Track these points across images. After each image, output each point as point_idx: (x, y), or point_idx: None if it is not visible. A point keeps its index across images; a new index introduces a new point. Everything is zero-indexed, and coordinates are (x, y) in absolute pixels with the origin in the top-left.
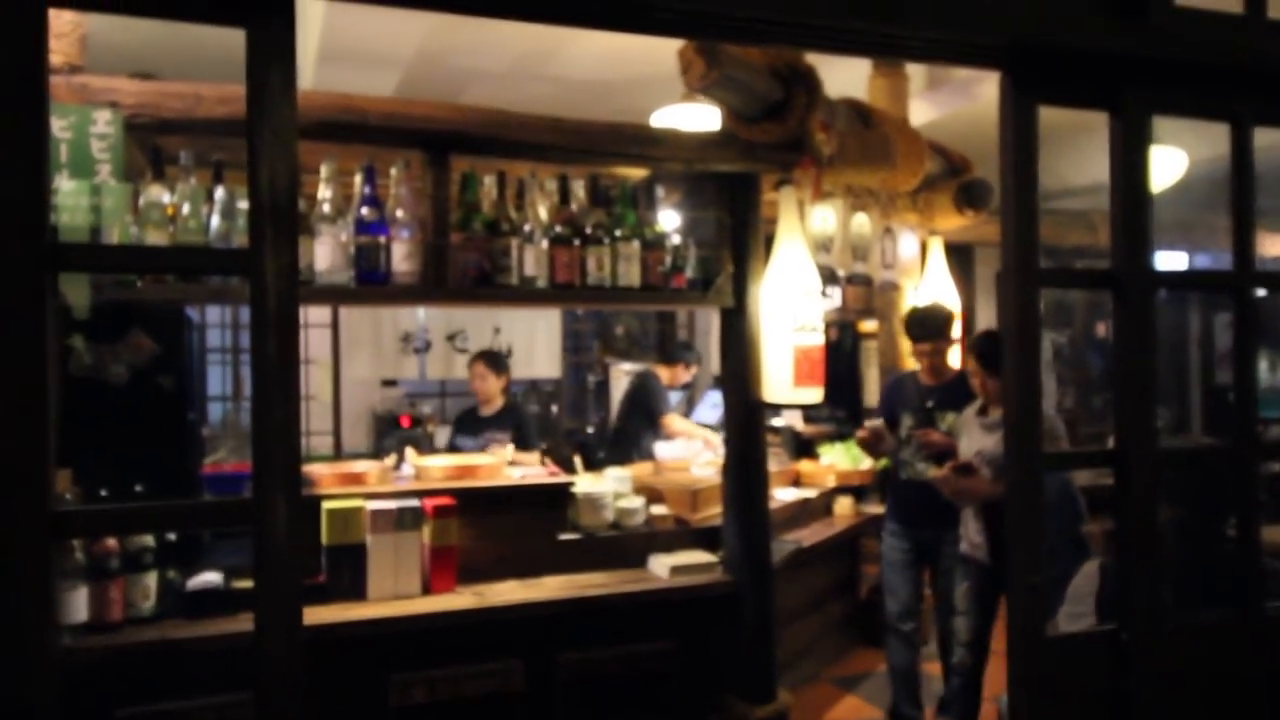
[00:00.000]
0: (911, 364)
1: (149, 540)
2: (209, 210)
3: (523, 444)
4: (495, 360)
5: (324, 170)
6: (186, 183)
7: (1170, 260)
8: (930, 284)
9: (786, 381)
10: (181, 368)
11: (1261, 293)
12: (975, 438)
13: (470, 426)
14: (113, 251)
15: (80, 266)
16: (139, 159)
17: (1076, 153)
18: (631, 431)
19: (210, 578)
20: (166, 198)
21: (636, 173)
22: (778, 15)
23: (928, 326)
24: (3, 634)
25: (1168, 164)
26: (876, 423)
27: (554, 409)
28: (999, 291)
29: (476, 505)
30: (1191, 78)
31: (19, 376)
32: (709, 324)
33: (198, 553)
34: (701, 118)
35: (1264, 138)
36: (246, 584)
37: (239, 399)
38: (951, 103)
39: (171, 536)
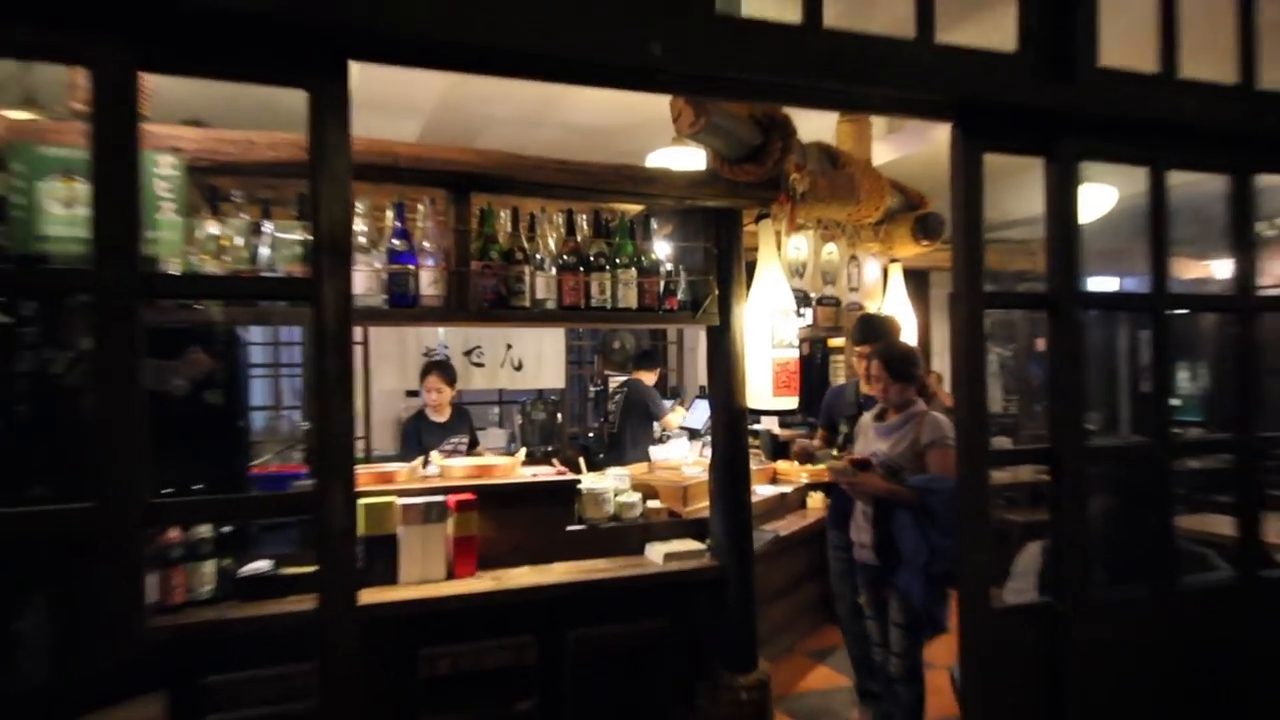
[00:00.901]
0: None
1: (206, 532)
2: (256, 242)
3: (474, 445)
4: (448, 372)
5: (359, 206)
6: (238, 218)
7: (1104, 282)
8: (890, 304)
9: (766, 391)
10: (232, 381)
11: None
12: (870, 440)
13: (430, 432)
14: (196, 280)
15: (168, 294)
16: (195, 197)
17: (1019, 189)
18: (628, 433)
19: (260, 565)
20: (218, 230)
21: (634, 207)
22: (762, 77)
23: (870, 331)
24: (106, 606)
25: (1101, 199)
26: (807, 442)
27: (559, 416)
28: (950, 312)
29: (494, 500)
30: (1114, 128)
31: (120, 388)
32: (696, 340)
33: (247, 544)
34: (690, 159)
35: (1178, 178)
36: (294, 570)
37: (279, 409)
38: (909, 145)
39: (226, 529)
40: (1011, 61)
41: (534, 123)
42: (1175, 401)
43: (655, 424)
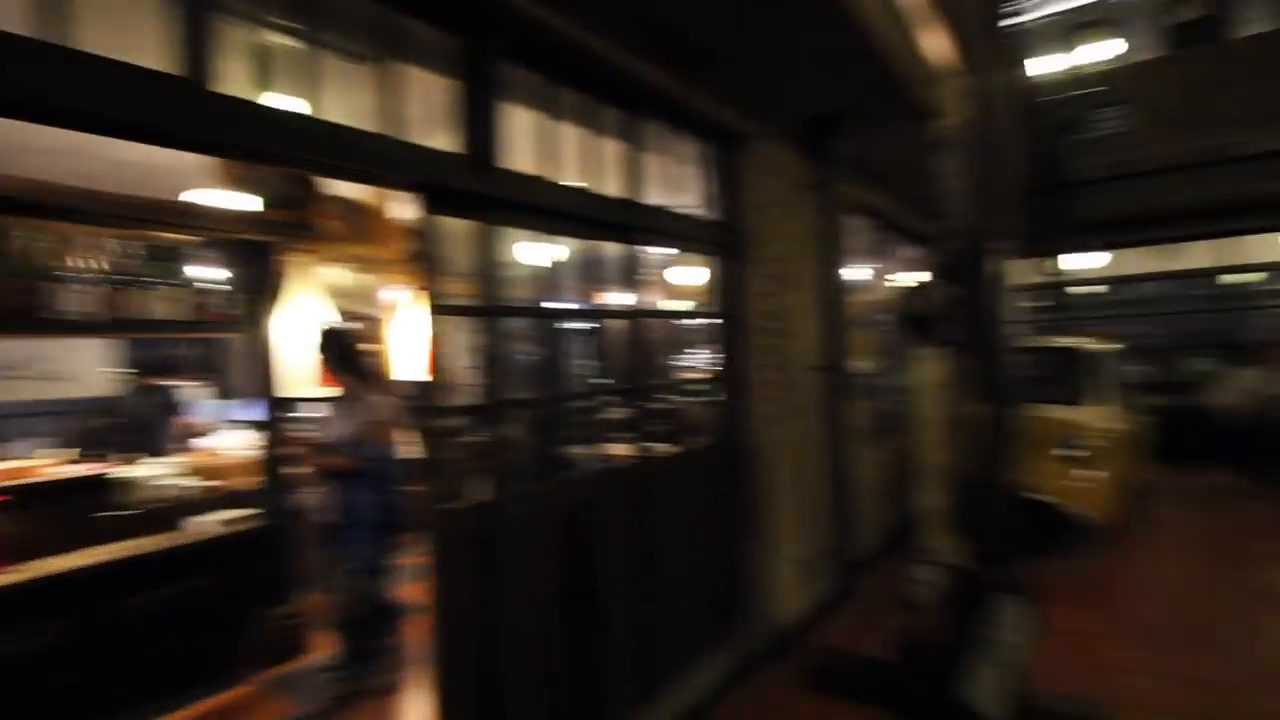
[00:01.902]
0: None
1: None
2: None
3: None
4: None
5: None
6: None
7: (563, 303)
8: (408, 320)
9: (313, 381)
10: None
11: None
12: (334, 423)
13: None
14: None
15: None
16: None
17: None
18: (162, 428)
19: None
20: None
21: (190, 237)
22: (275, 148)
23: (324, 341)
24: None
25: (556, 250)
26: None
27: (115, 420)
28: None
29: (24, 498)
30: (518, 206)
31: None
32: (249, 347)
33: None
34: (233, 198)
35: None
36: None
37: None
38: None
39: None
40: (457, 159)
41: (77, 154)
42: (607, 378)
43: (194, 416)
